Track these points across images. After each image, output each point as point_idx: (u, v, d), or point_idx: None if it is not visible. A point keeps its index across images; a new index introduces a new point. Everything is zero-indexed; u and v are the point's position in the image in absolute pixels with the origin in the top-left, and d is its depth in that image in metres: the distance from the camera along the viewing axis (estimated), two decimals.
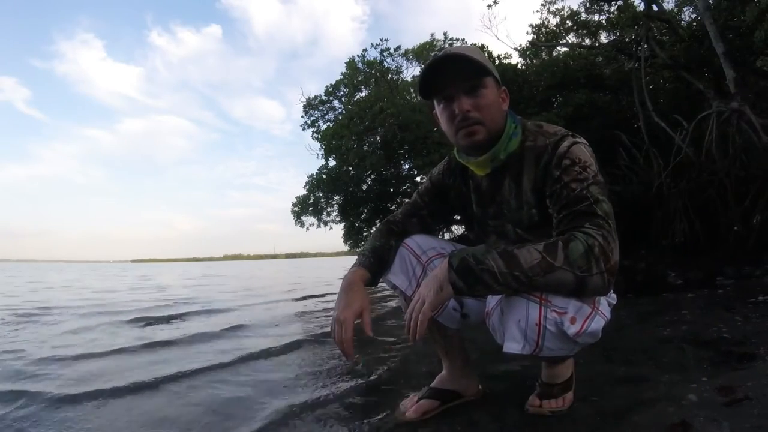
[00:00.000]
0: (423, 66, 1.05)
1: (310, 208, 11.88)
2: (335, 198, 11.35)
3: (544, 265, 0.85)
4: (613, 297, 1.07)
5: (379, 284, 1.20)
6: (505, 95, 1.08)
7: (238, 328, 3.11)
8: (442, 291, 0.90)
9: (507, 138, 1.04)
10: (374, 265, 1.15)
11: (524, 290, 0.89)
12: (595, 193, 0.92)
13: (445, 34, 11.29)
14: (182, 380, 1.76)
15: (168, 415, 1.40)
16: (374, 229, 1.22)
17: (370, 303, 1.07)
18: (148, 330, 3.17)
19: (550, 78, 7.15)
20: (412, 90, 11.37)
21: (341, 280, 1.14)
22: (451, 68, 1.00)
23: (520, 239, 1.06)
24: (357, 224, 11.69)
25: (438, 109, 1.07)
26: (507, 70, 7.60)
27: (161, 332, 3.06)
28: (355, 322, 1.03)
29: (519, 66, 8.51)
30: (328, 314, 3.57)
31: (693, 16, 7.39)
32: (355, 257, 1.22)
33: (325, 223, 12.18)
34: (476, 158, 1.07)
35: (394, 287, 1.18)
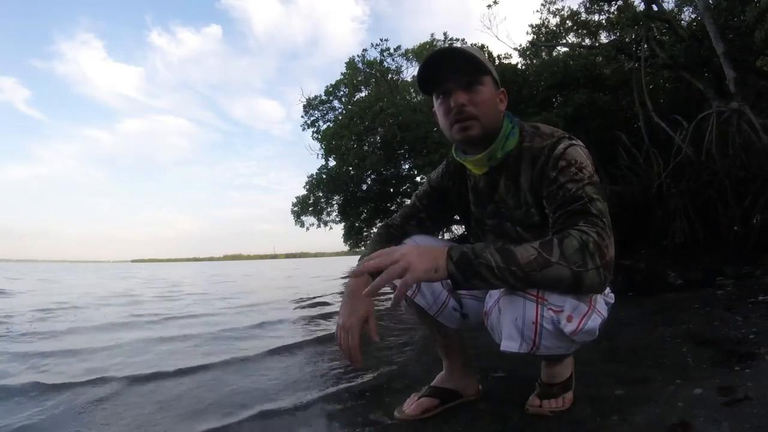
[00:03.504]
0: (423, 60, 1.05)
1: (310, 208, 11.90)
2: (335, 198, 11.36)
3: (540, 260, 0.85)
4: (610, 296, 1.07)
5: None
6: (503, 96, 1.09)
7: None
8: (436, 273, 0.87)
9: (504, 137, 1.05)
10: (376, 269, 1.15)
11: (521, 285, 0.89)
12: (590, 192, 0.93)
13: (445, 34, 11.30)
14: None
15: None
16: (374, 230, 1.21)
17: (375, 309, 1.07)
18: None
19: (550, 78, 7.15)
20: (412, 90, 11.37)
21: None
22: (450, 63, 1.01)
23: (520, 238, 1.06)
24: (357, 224, 11.71)
25: (436, 104, 1.08)
26: (507, 70, 7.61)
27: None
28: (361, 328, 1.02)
29: (519, 66, 8.52)
30: None
31: (693, 16, 7.39)
32: (355, 257, 1.22)
33: (325, 223, 12.20)
34: (473, 156, 1.08)
35: (395, 288, 1.18)
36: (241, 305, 4.74)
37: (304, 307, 4.37)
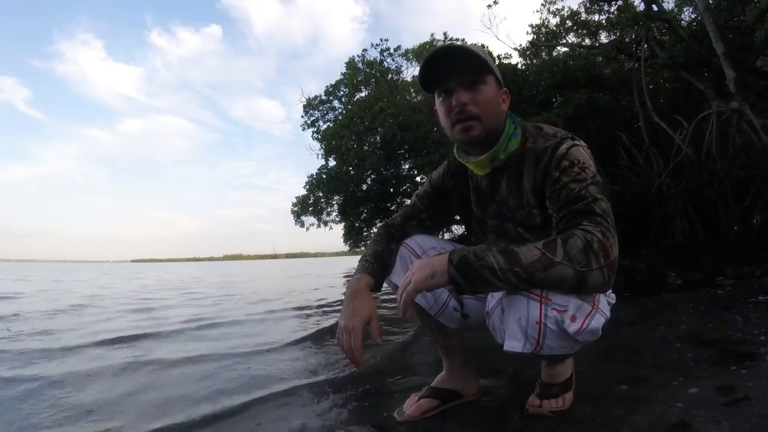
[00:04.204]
0: (425, 56, 1.04)
1: (310, 208, 11.90)
2: (335, 198, 11.36)
3: (544, 260, 0.85)
4: (612, 296, 1.07)
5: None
6: (505, 96, 1.08)
7: None
8: (433, 279, 0.91)
9: (506, 138, 1.04)
10: (377, 270, 1.15)
11: (524, 286, 0.89)
12: (594, 192, 0.93)
13: (445, 34, 11.29)
14: None
15: None
16: (374, 230, 1.21)
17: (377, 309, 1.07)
18: None
19: (550, 78, 7.15)
20: (412, 90, 11.37)
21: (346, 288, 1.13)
22: (453, 61, 1.00)
23: (521, 239, 1.06)
24: (357, 224, 11.70)
25: (437, 102, 1.07)
26: (507, 70, 7.61)
27: None
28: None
29: (519, 66, 8.52)
30: None
31: (693, 16, 7.39)
32: (355, 257, 1.22)
33: (325, 223, 12.20)
34: (476, 158, 1.07)
35: (396, 287, 1.18)
36: (266, 311, 4.27)
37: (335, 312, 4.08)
